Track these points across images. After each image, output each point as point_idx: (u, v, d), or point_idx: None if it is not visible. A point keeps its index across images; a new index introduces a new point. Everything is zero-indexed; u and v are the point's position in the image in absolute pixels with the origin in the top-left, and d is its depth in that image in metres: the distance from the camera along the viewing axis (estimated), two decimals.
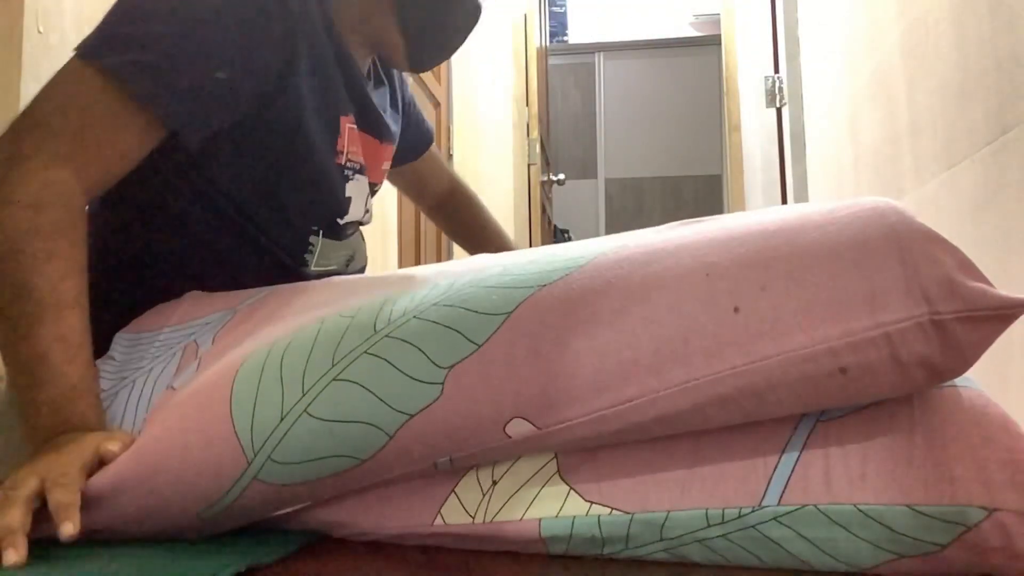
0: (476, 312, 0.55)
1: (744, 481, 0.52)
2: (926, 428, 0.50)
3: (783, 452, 0.52)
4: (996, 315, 0.48)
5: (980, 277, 0.49)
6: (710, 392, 0.51)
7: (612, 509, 0.53)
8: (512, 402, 0.53)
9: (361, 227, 1.02)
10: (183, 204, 0.82)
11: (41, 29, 1.18)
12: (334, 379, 0.56)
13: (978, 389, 0.53)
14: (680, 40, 5.37)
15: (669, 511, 0.52)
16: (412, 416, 0.54)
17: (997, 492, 0.46)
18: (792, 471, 0.51)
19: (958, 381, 0.53)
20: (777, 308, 0.50)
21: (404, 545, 0.59)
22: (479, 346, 0.54)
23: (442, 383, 0.54)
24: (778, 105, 2.92)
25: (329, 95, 0.87)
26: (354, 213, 0.94)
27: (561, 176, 4.42)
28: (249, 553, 0.55)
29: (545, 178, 4.24)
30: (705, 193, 5.21)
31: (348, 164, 0.91)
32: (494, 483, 0.57)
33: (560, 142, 5.39)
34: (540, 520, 0.55)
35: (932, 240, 0.50)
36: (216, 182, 0.81)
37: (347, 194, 0.91)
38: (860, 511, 0.48)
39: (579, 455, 0.56)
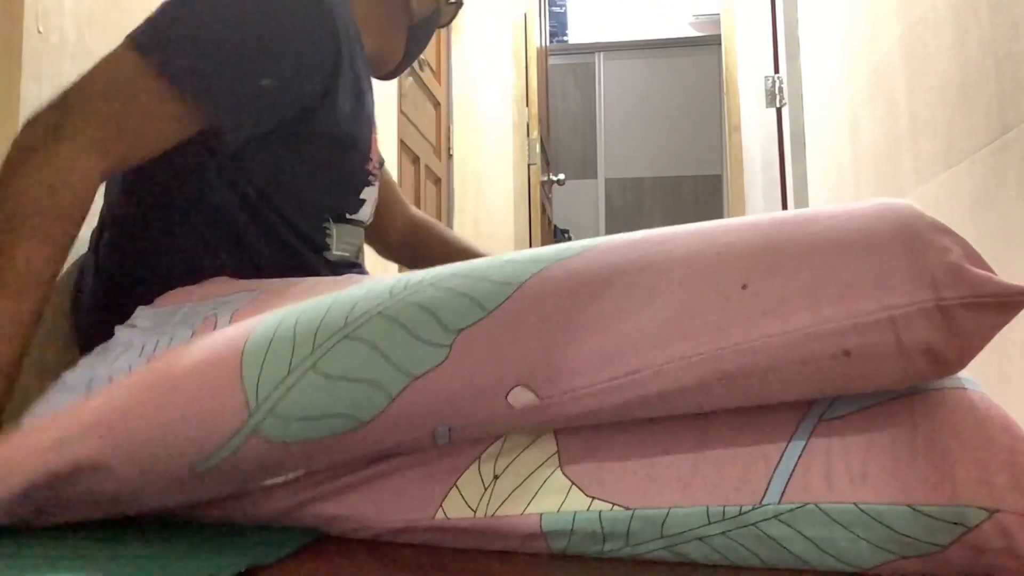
0: (490, 281, 0.56)
1: (745, 479, 0.52)
2: (928, 428, 0.50)
3: (785, 450, 0.52)
4: (1001, 302, 0.48)
5: (986, 267, 0.49)
6: (713, 368, 0.51)
7: (613, 505, 0.54)
8: (516, 369, 0.54)
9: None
10: (209, 190, 0.86)
11: (41, 29, 1.18)
12: (344, 337, 0.56)
13: (980, 391, 0.53)
14: (680, 40, 5.38)
15: (670, 508, 0.52)
16: (416, 378, 0.54)
17: (998, 493, 0.46)
18: (794, 469, 0.51)
19: (961, 382, 0.53)
20: (785, 287, 0.50)
21: (404, 546, 0.59)
22: (489, 312, 0.54)
23: (449, 346, 0.54)
24: (778, 105, 2.92)
25: (366, 107, 0.93)
26: (362, 214, 0.98)
27: (561, 176, 4.42)
28: (249, 553, 0.55)
29: (545, 178, 4.24)
30: (705, 193, 5.21)
31: (372, 171, 0.96)
32: (496, 477, 0.57)
33: (560, 142, 5.39)
34: (541, 515, 0.55)
35: (940, 230, 0.50)
36: (246, 172, 0.85)
37: (362, 196, 0.96)
38: (861, 510, 0.49)
39: (581, 450, 0.56)
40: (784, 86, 2.88)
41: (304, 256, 0.89)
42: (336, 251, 0.93)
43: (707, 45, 5.23)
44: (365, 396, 0.55)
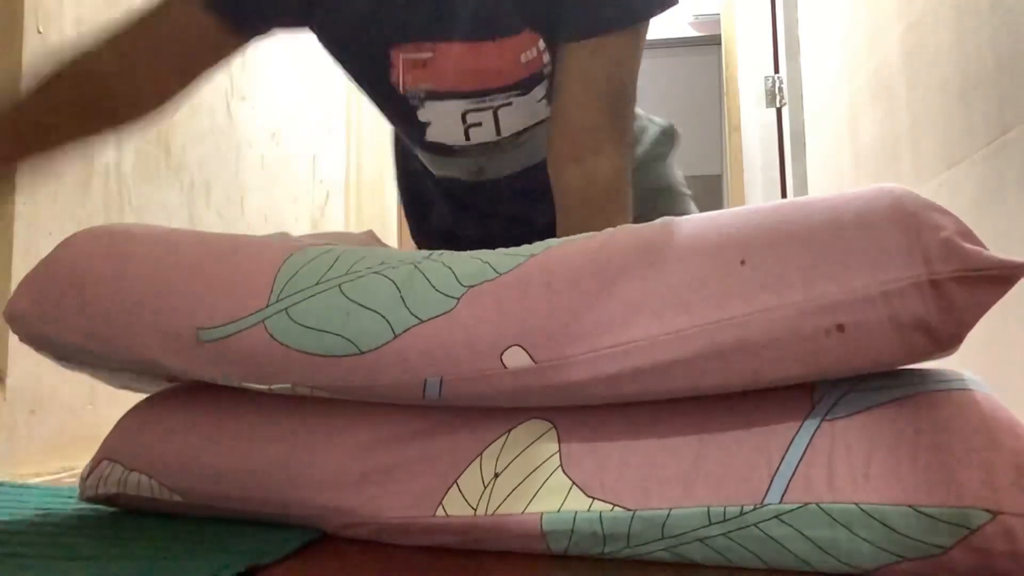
0: (508, 254, 0.60)
1: (747, 479, 0.52)
2: (932, 429, 0.50)
3: (787, 450, 0.52)
4: (993, 276, 0.48)
5: (979, 243, 0.50)
6: (708, 341, 0.51)
7: (614, 506, 0.54)
8: (515, 329, 0.55)
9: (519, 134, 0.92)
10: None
11: (41, 29, 1.18)
12: (375, 272, 0.60)
13: (986, 391, 0.53)
14: (680, 40, 5.37)
15: (671, 509, 0.52)
16: (422, 322, 0.57)
17: (1002, 495, 0.46)
18: (796, 469, 0.51)
19: (967, 383, 0.53)
20: (782, 263, 0.51)
21: (403, 546, 0.59)
22: (500, 274, 0.58)
23: (458, 298, 0.57)
24: (778, 105, 2.92)
25: (372, 26, 0.85)
26: (444, 134, 0.93)
27: None
28: (249, 553, 0.55)
29: None
30: (705, 193, 5.21)
31: (409, 93, 0.89)
32: (496, 475, 0.57)
33: None
34: (542, 515, 0.55)
35: (934, 209, 0.51)
36: None
37: (422, 120, 0.92)
38: (862, 510, 0.48)
39: (582, 450, 0.56)
40: (784, 86, 2.88)
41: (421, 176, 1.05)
42: (437, 173, 1.02)
43: (707, 45, 5.23)
44: (372, 326, 0.57)
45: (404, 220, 1.30)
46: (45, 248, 1.29)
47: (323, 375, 0.59)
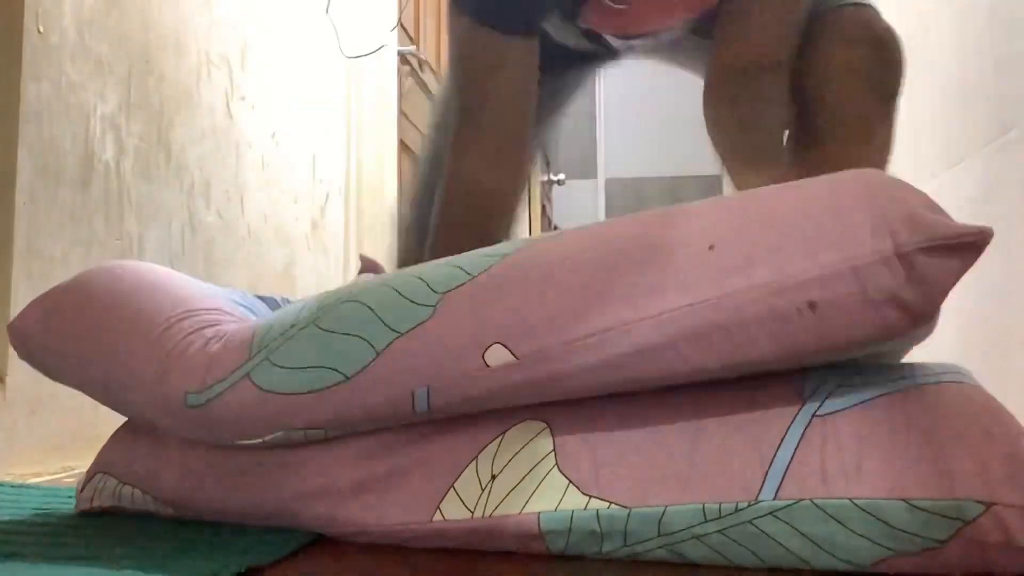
0: (481, 255, 0.61)
1: (741, 476, 0.52)
2: (924, 422, 0.50)
3: (779, 446, 0.52)
4: (958, 244, 0.49)
5: (945, 215, 0.50)
6: (683, 324, 0.52)
7: (611, 503, 0.54)
8: (494, 326, 0.56)
9: None
10: None
11: (41, 29, 1.19)
12: (346, 300, 0.61)
13: (977, 384, 0.53)
14: None
15: (667, 506, 0.52)
16: (402, 334, 0.58)
17: (995, 487, 0.46)
18: (788, 465, 0.51)
19: (957, 376, 0.53)
20: (751, 246, 0.52)
21: (403, 546, 0.59)
22: (473, 277, 0.58)
23: (434, 306, 0.58)
24: None
25: None
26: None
27: (561, 176, 4.42)
28: (249, 553, 0.55)
29: (545, 178, 4.23)
30: (705, 193, 5.20)
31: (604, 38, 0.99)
32: (493, 477, 0.57)
33: (560, 142, 5.38)
34: (539, 514, 0.55)
35: (901, 186, 0.52)
36: None
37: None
38: (856, 505, 0.48)
39: (578, 449, 0.57)
40: None
41: None
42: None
43: None
44: (353, 350, 0.58)
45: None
46: (45, 248, 1.29)
47: (312, 412, 0.59)
